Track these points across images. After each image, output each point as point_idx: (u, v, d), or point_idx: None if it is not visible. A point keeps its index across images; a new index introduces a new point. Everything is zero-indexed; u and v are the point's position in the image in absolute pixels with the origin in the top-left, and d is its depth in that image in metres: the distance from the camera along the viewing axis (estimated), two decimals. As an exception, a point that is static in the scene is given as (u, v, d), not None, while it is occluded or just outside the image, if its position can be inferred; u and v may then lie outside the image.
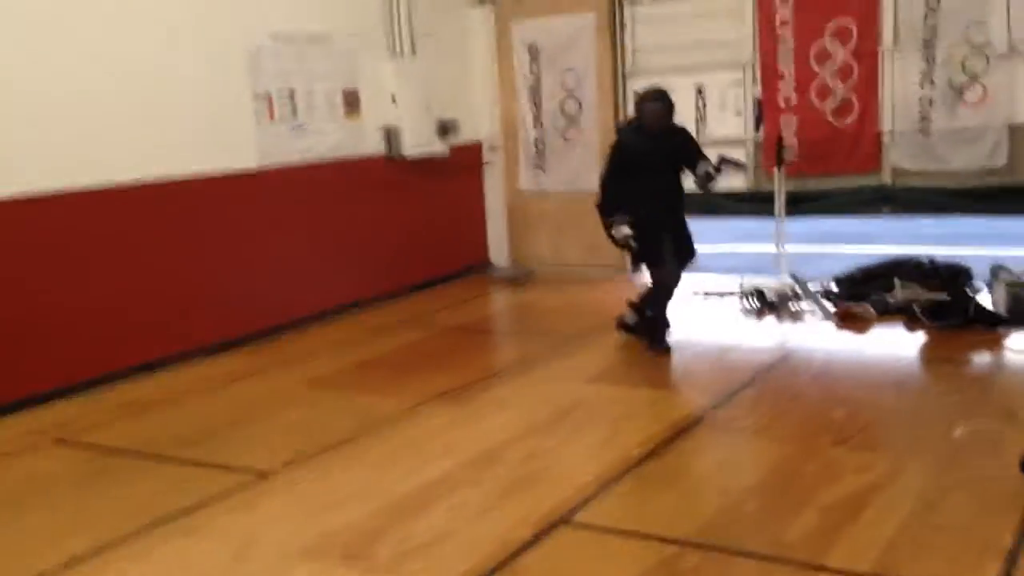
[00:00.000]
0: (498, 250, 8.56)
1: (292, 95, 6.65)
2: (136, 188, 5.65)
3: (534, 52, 8.18)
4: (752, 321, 6.27)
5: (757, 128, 7.43)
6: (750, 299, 6.48)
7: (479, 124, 8.34)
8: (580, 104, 8.08)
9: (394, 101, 7.37)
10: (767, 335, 5.98)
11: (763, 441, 4.10)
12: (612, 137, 7.87)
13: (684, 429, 4.31)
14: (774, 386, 4.94)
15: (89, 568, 3.29)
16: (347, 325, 6.74)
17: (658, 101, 5.48)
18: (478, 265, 8.46)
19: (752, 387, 4.88)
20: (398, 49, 7.46)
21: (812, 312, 6.25)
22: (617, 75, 7.93)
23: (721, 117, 7.59)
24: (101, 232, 5.50)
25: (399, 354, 6.01)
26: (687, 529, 3.27)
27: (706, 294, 6.86)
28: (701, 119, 7.63)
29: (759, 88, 7.37)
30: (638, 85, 7.81)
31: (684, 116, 7.63)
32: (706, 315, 6.47)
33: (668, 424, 4.34)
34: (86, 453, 4.48)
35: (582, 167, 8.10)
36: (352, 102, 7.13)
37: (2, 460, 4.41)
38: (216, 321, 6.14)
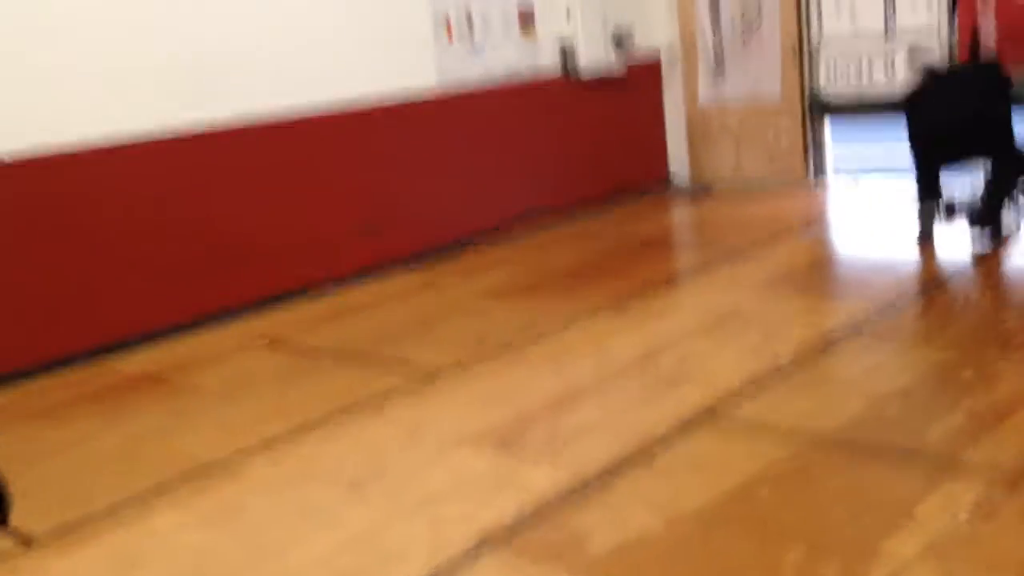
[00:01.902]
0: (678, 165, 8.53)
1: (469, 16, 6.90)
2: (324, 112, 6.14)
3: (713, -44, 7.95)
4: (940, 231, 5.94)
5: (952, 17, 6.90)
6: (940, 207, 6.13)
7: (656, 34, 8.26)
8: (759, 6, 7.81)
9: (568, 15, 7.45)
10: (955, 246, 5.66)
11: (921, 349, 4.01)
12: (794, 40, 7.64)
13: (841, 337, 4.27)
14: (948, 298, 4.75)
15: (283, 446, 3.79)
16: (522, 242, 7.03)
17: None
18: (657, 181, 8.47)
19: (923, 297, 4.72)
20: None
21: (1013, 223, 5.82)
22: (799, -25, 7.59)
23: (911, 5, 7.11)
24: (300, 155, 6.04)
25: (570, 266, 6.23)
26: (824, 426, 3.32)
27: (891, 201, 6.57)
28: (891, 9, 7.19)
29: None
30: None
31: (871, 7, 7.30)
32: (887, 223, 6.21)
33: (824, 331, 4.33)
34: (289, 354, 5.06)
35: (763, 73, 7.88)
36: (527, 20, 7.30)
37: (219, 359, 5.06)
38: (401, 237, 6.60)
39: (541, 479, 3.22)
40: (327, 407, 4.12)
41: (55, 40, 5.02)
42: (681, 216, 7.80)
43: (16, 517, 3.14)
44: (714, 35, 8.09)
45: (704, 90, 8.26)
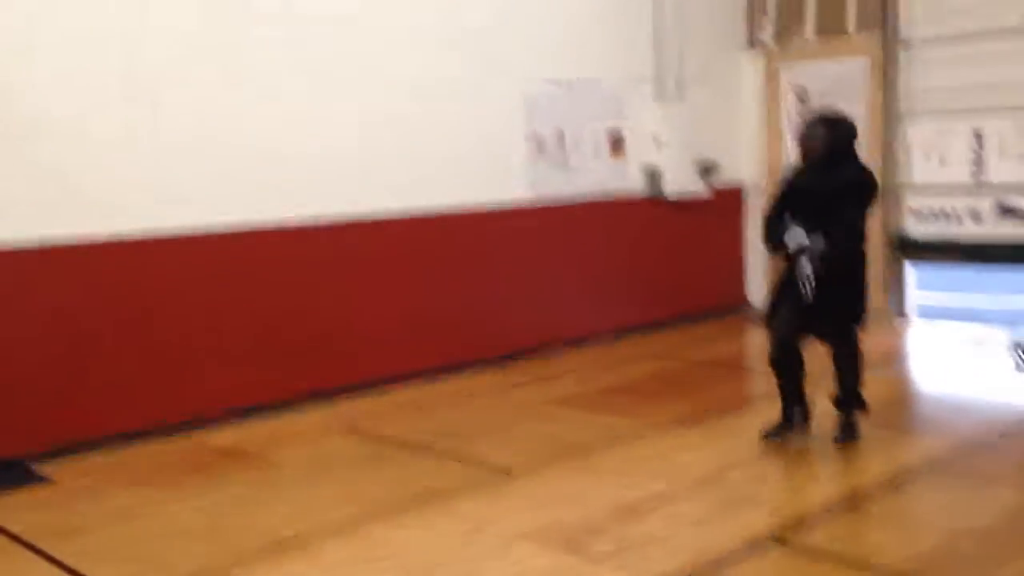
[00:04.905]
0: (757, 291, 8.61)
1: (562, 136, 7.25)
2: (422, 217, 6.46)
3: (803, 95, 8.21)
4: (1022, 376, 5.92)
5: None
6: (1020, 352, 6.10)
7: (742, 166, 8.50)
8: (848, 146, 7.99)
9: (657, 142, 7.76)
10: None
11: (1000, 489, 3.96)
12: (883, 179, 7.77)
13: (918, 472, 4.25)
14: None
15: (357, 530, 3.90)
16: (599, 353, 7.15)
17: (814, 127, 4.58)
18: (735, 305, 8.56)
19: (1005, 438, 4.67)
20: (665, 92, 7.84)
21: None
22: (890, 119, 7.78)
23: (1002, 162, 7.22)
24: (393, 253, 6.35)
25: (644, 382, 6.31)
26: (894, 560, 3.30)
27: (973, 344, 6.54)
28: (978, 163, 7.31)
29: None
30: (912, 129, 7.68)
31: (958, 160, 7.42)
32: (971, 366, 6.17)
33: (901, 465, 4.31)
34: (365, 441, 5.21)
35: (848, 210, 8.00)
36: (617, 142, 7.62)
37: (300, 440, 5.25)
38: (484, 338, 6.80)
39: (604, 583, 3.26)
40: (398, 496, 4.24)
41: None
42: (756, 341, 7.81)
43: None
44: (800, 168, 8.27)
45: (787, 220, 8.40)
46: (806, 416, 4.75)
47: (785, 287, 4.63)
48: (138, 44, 5.23)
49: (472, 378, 6.47)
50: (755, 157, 8.52)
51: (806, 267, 4.43)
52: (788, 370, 4.66)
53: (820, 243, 4.41)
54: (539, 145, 7.12)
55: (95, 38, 5.10)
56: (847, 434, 4.68)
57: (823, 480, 4.19)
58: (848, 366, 4.71)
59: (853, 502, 3.90)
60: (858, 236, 4.58)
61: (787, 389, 4.69)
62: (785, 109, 8.31)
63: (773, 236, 4.62)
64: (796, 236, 4.46)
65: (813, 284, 4.43)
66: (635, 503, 4.03)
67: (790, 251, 4.50)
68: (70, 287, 5.06)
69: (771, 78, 8.38)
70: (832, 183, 4.49)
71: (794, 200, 4.58)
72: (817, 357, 4.73)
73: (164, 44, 5.31)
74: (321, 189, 5.99)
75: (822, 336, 4.68)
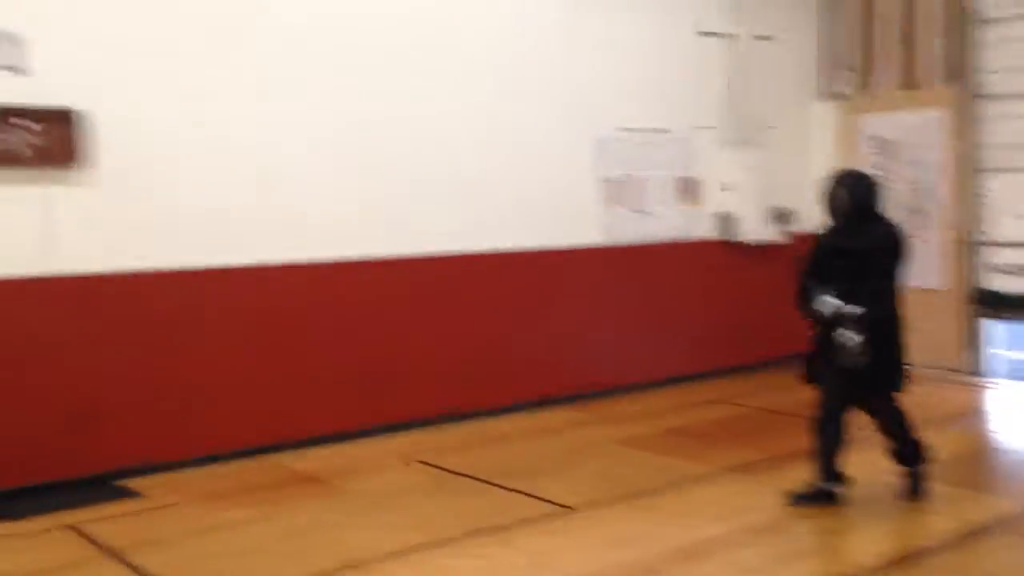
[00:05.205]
0: (830, 340, 8.54)
1: (635, 182, 7.39)
2: (498, 255, 6.66)
3: (881, 145, 8.20)
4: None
5: None
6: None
7: (817, 215, 8.48)
8: (928, 199, 7.94)
9: (730, 190, 7.83)
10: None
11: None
12: (961, 234, 7.68)
13: (986, 529, 4.20)
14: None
15: (419, 557, 4.06)
16: (667, 395, 7.20)
17: (836, 186, 4.54)
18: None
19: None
20: (739, 139, 7.93)
21: None
22: (968, 172, 7.72)
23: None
24: (470, 290, 6.54)
25: (711, 426, 6.35)
26: (954, 617, 3.30)
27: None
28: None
29: None
30: (990, 181, 7.59)
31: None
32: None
33: (968, 522, 4.26)
34: (435, 472, 5.38)
35: (927, 263, 7.90)
36: (690, 189, 7.72)
37: (373, 470, 5.44)
38: (553, 377, 6.93)
39: (659, 624, 3.34)
40: (462, 527, 4.39)
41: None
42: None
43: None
44: (877, 219, 8.22)
45: (863, 271, 8.34)
46: (839, 484, 4.58)
47: (823, 347, 4.50)
48: (222, 83, 5.59)
49: (540, 416, 6.60)
50: (831, 206, 8.50)
51: (850, 337, 4.31)
52: (830, 437, 4.57)
53: (857, 309, 4.32)
54: (612, 191, 7.27)
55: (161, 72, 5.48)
56: (913, 490, 4.66)
57: (884, 535, 4.17)
58: (895, 428, 4.62)
59: (914, 559, 3.88)
60: (892, 299, 4.49)
61: (825, 455, 4.57)
62: (862, 159, 8.29)
63: (807, 300, 4.52)
64: (832, 302, 4.37)
65: (861, 351, 4.29)
66: (694, 546, 4.09)
67: (826, 316, 4.41)
68: (163, 310, 5.39)
69: (847, 128, 8.39)
70: (861, 242, 4.43)
71: (826, 260, 4.52)
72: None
73: (247, 86, 5.67)
74: (401, 228, 6.24)
75: (860, 402, 4.60)
